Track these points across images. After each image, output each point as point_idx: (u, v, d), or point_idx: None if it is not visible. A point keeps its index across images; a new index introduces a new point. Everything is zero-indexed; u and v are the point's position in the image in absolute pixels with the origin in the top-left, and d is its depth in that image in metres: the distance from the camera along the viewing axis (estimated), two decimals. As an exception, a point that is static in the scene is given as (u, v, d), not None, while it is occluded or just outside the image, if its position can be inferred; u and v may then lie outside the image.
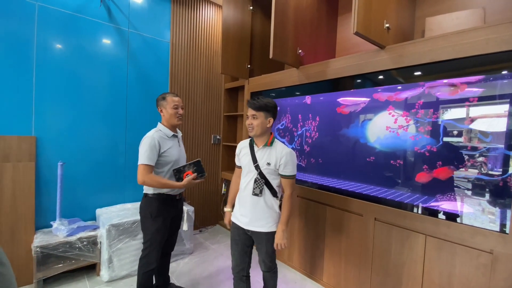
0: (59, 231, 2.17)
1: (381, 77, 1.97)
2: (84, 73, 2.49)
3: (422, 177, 1.88)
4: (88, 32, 2.49)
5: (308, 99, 2.53)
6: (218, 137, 3.55)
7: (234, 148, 3.70)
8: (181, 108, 1.85)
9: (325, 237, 2.27)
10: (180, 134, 2.00)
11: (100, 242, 2.27)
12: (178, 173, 1.73)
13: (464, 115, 1.60)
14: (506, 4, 1.88)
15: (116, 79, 2.68)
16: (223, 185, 3.57)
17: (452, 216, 1.62)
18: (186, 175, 1.73)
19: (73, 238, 2.17)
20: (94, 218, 2.57)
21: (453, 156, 1.64)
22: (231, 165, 3.70)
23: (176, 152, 1.84)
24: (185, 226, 2.55)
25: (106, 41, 2.61)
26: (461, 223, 1.56)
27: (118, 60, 2.68)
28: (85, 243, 2.21)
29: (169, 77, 3.05)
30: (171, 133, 1.84)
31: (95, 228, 2.34)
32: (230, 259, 1.80)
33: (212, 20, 3.38)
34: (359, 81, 2.12)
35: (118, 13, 2.66)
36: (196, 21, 3.23)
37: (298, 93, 2.64)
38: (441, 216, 1.65)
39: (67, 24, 2.39)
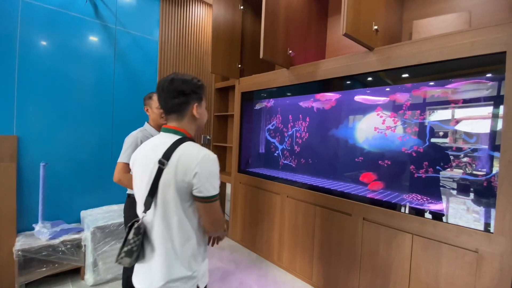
0: (42, 234, 2.10)
1: (370, 78, 1.99)
2: (69, 70, 2.42)
3: (366, 177, 2.00)
4: (73, 29, 2.43)
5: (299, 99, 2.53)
6: (208, 137, 3.51)
7: (225, 148, 3.67)
8: None
9: (314, 237, 2.27)
10: None
11: (85, 245, 2.20)
12: None
13: (449, 117, 1.63)
14: (491, 8, 1.92)
15: (102, 77, 2.61)
16: (213, 185, 3.53)
17: (437, 216, 1.64)
18: None
19: (56, 241, 2.10)
20: (78, 220, 2.50)
21: (438, 156, 1.67)
22: (222, 166, 3.66)
23: None
24: (173, 228, 2.51)
25: (92, 38, 2.54)
26: (447, 222, 1.58)
27: (105, 58, 2.62)
28: (68, 246, 2.14)
29: (158, 75, 3.00)
30: (157, 132, 1.81)
31: (79, 230, 2.27)
32: (220, 261, 1.76)
33: (202, 19, 3.35)
34: (348, 82, 2.13)
35: (105, 9, 2.60)
36: (185, 19, 3.19)
37: (289, 94, 2.64)
38: (427, 215, 1.67)
39: (51, 20, 2.32)
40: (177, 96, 0.99)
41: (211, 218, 0.96)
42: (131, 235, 0.97)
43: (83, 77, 2.50)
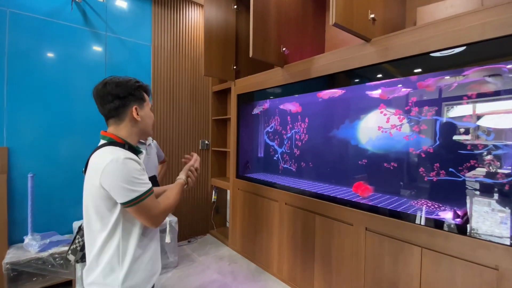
0: (31, 247, 2.05)
1: (369, 72, 1.80)
2: (59, 79, 2.38)
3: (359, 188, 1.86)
4: (62, 37, 2.39)
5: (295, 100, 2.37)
6: (206, 142, 3.41)
7: (224, 153, 3.55)
8: None
9: (314, 248, 2.09)
10: (151, 142, 1.87)
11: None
12: None
13: (461, 112, 1.42)
14: (504, -13, 1.69)
15: (94, 85, 2.55)
16: (213, 192, 3.41)
17: (449, 226, 1.42)
18: None
19: (45, 254, 2.04)
20: (71, 231, 2.44)
21: (450, 157, 1.45)
22: (221, 171, 3.55)
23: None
24: (167, 239, 2.41)
25: (83, 46, 2.50)
26: (461, 235, 1.37)
27: (96, 65, 2.57)
28: (57, 259, 2.08)
29: (151, 81, 2.93)
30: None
31: (70, 242, 2.21)
32: (217, 272, 1.61)
33: (196, 21, 3.26)
34: (346, 78, 1.95)
35: (94, 16, 2.56)
36: (179, 22, 3.11)
37: (285, 94, 2.48)
38: (437, 226, 1.46)
39: (40, 29, 2.29)
40: (112, 100, 0.94)
41: (144, 219, 0.90)
42: (78, 235, 1.13)
43: (74, 85, 2.46)
